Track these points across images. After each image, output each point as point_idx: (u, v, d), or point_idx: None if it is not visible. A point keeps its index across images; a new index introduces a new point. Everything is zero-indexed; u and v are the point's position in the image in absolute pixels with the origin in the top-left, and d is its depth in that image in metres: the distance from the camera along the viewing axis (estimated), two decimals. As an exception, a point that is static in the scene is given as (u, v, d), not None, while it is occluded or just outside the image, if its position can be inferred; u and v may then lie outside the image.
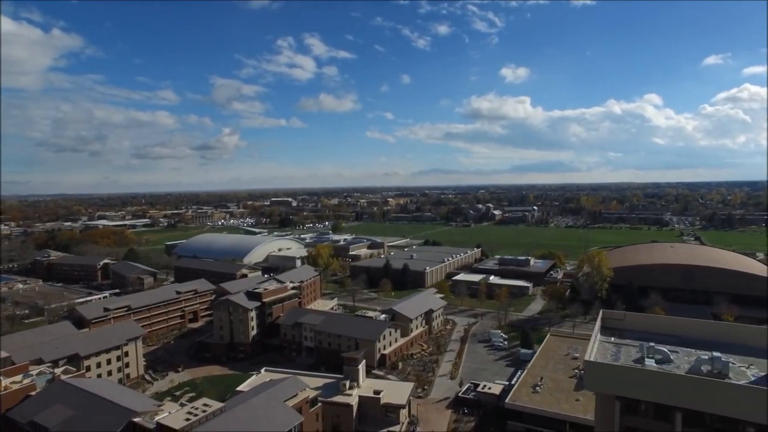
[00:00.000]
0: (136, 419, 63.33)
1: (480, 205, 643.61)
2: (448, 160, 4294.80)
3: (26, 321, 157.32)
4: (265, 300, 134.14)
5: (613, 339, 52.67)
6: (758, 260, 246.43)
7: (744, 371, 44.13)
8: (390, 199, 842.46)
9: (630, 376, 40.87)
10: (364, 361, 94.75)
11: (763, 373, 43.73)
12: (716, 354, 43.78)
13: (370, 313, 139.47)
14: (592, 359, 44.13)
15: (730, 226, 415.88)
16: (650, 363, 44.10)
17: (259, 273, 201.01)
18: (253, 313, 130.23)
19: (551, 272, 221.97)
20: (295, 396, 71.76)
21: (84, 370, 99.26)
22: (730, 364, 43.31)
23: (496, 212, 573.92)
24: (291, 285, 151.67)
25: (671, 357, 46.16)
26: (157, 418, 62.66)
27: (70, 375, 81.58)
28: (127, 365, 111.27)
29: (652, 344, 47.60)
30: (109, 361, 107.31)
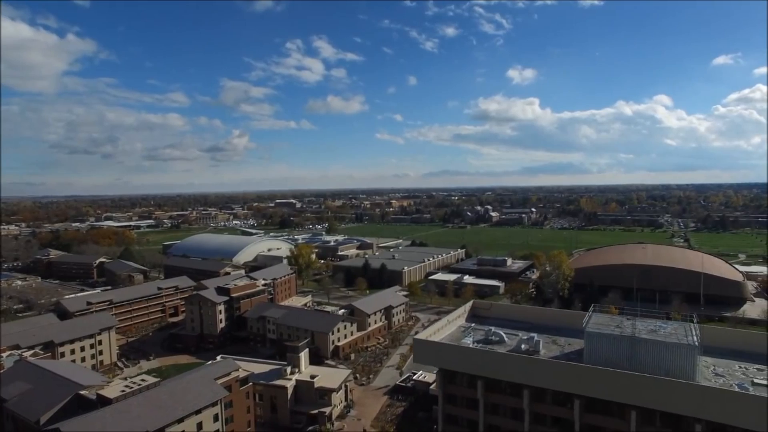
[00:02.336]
0: (82, 392, 73.29)
1: (479, 207, 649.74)
2: (458, 161, 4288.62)
3: (20, 315, 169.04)
4: (233, 295, 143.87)
5: (473, 324, 61.09)
6: (740, 261, 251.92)
7: (558, 347, 52.35)
8: (394, 201, 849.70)
9: (446, 351, 49.27)
10: (306, 349, 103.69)
11: (573, 350, 51.91)
12: (532, 335, 52.14)
13: (328, 308, 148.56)
14: (427, 339, 52.68)
15: (723, 228, 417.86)
16: (467, 341, 52.52)
17: (242, 271, 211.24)
18: (221, 307, 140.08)
19: (527, 272, 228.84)
20: (227, 375, 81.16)
21: (58, 356, 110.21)
22: (542, 343, 51.58)
23: (494, 214, 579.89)
24: (263, 282, 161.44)
25: (506, 339, 54.48)
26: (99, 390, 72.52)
27: (38, 357, 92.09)
28: (100, 353, 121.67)
29: (492, 328, 56.02)
30: (82, 348, 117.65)
